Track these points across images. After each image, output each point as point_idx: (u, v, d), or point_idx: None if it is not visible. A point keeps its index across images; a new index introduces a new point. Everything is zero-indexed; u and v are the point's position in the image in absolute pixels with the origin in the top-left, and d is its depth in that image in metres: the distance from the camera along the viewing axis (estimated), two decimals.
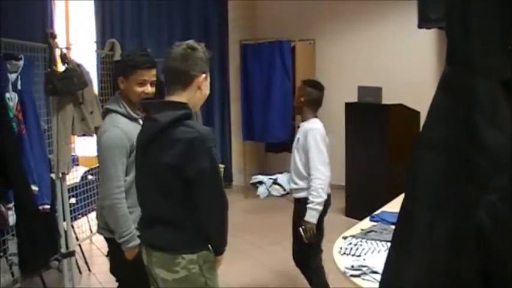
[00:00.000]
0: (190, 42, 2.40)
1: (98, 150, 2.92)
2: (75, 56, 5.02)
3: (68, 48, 4.90)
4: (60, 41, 4.46)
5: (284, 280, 4.92)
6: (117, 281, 3.22)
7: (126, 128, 2.87)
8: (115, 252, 2.98)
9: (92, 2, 9.69)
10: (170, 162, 2.22)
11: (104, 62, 5.42)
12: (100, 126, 3.11)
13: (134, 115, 2.97)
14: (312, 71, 8.10)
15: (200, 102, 2.45)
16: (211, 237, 2.38)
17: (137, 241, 2.78)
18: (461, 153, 0.94)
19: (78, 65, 4.45)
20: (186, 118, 2.27)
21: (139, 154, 2.45)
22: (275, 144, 8.12)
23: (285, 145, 7.71)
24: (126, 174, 2.84)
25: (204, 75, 2.38)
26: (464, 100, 0.94)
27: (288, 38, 7.60)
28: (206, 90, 2.43)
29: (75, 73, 4.26)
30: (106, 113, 3.00)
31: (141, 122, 2.90)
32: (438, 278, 0.96)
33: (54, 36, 4.20)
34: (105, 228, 2.98)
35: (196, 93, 2.37)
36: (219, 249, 2.42)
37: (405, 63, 7.44)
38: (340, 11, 8.01)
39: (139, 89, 2.97)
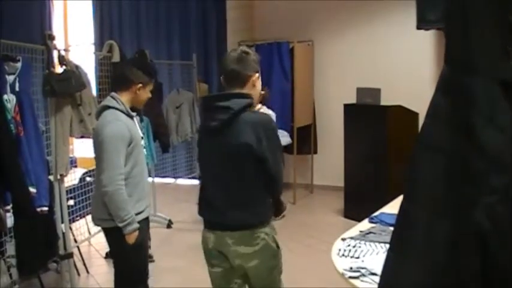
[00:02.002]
0: (243, 47, 2.84)
1: (100, 140, 3.11)
2: (74, 57, 5.03)
3: (66, 49, 4.90)
4: (59, 42, 4.45)
5: (285, 281, 4.90)
6: (118, 270, 3.39)
7: (127, 122, 3.21)
8: (115, 241, 3.21)
9: (90, 4, 9.69)
10: (247, 141, 2.54)
11: (102, 64, 5.41)
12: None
13: (132, 113, 3.32)
14: (311, 72, 8.10)
15: (256, 97, 2.81)
16: (278, 197, 2.82)
17: (137, 225, 3.12)
18: (460, 154, 0.93)
19: (77, 67, 4.45)
20: (250, 106, 2.66)
21: (209, 140, 2.70)
22: None
23: (284, 146, 7.73)
24: (125, 165, 3.13)
25: (257, 75, 2.75)
26: (463, 101, 0.94)
27: (287, 39, 7.59)
28: (259, 87, 2.80)
29: (74, 75, 4.26)
30: (104, 109, 3.24)
31: (136, 120, 3.35)
32: (437, 279, 0.96)
33: (52, 38, 4.20)
34: (104, 218, 3.18)
35: (251, 90, 2.72)
36: (279, 195, 2.84)
37: (404, 64, 7.45)
38: (338, 12, 8.01)
39: (148, 95, 3.44)
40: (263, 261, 2.69)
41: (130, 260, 3.26)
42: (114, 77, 3.22)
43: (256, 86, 2.75)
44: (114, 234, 3.18)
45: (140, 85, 3.32)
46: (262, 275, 2.75)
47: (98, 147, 3.14)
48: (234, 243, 2.64)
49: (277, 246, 2.75)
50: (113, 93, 3.30)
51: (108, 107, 3.22)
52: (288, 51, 7.63)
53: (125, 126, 3.16)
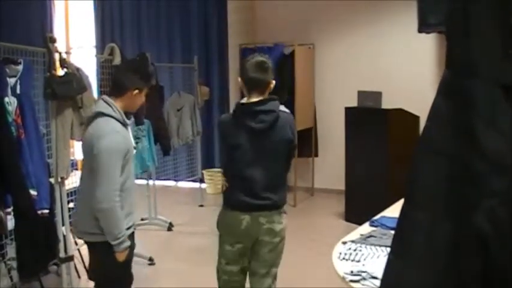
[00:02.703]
0: (261, 57, 3.20)
1: (96, 153, 2.91)
2: (75, 60, 5.02)
3: (67, 52, 4.90)
4: (60, 45, 4.45)
5: (286, 284, 4.90)
6: (96, 285, 3.24)
7: (123, 133, 3.06)
8: (101, 255, 3.08)
9: (92, 6, 9.71)
10: (289, 137, 3.16)
11: (103, 67, 5.41)
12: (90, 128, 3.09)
13: (127, 121, 3.16)
14: (312, 75, 8.11)
15: None
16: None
17: (129, 242, 3.04)
18: (461, 157, 0.93)
19: (78, 69, 4.45)
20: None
21: (251, 138, 3.11)
22: None
23: None
24: (121, 179, 3.00)
25: (274, 82, 3.18)
26: (464, 104, 0.94)
27: (288, 42, 7.60)
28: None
29: (75, 77, 4.26)
30: (98, 115, 3.05)
31: (129, 128, 3.20)
32: (438, 282, 0.96)
33: (53, 41, 4.20)
34: (91, 232, 3.03)
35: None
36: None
37: (405, 67, 7.45)
38: (339, 15, 8.02)
39: (143, 100, 3.32)
40: (283, 237, 3.25)
41: (114, 276, 3.13)
42: (250, 82, 3.13)
43: (271, 90, 3.19)
44: (100, 249, 3.05)
45: (136, 91, 3.15)
46: (279, 249, 3.27)
47: (93, 159, 2.93)
48: (267, 222, 3.14)
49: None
50: (106, 98, 3.12)
51: (103, 114, 3.03)
52: (289, 54, 7.63)
53: (122, 138, 3.01)
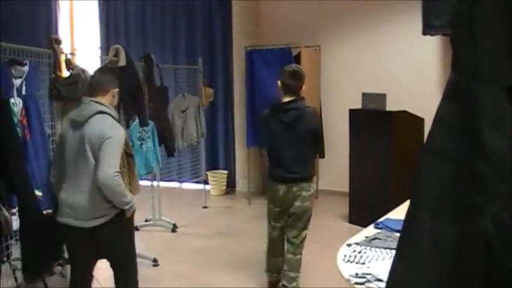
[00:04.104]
0: (295, 68, 4.36)
1: (107, 139, 3.31)
2: (80, 61, 5.04)
3: (72, 53, 4.91)
4: (65, 46, 4.47)
5: None
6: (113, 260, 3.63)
7: (121, 127, 3.59)
8: (110, 234, 3.45)
9: (97, 8, 9.74)
10: (311, 127, 4.24)
11: None
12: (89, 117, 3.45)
13: (118, 116, 3.71)
14: (317, 77, 8.10)
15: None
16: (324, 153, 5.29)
17: (134, 205, 3.53)
18: (466, 161, 0.93)
19: (83, 71, 4.46)
20: (304, 102, 4.29)
21: (282, 128, 4.21)
22: None
23: None
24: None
25: (304, 87, 4.27)
26: (469, 107, 0.93)
27: (294, 44, 7.60)
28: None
29: (80, 78, 4.27)
30: (98, 113, 3.42)
31: None
32: (443, 286, 0.96)
33: (58, 42, 4.22)
34: (97, 216, 3.38)
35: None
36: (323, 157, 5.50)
37: (410, 69, 7.45)
38: (345, 17, 8.02)
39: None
40: (311, 201, 4.32)
41: (125, 244, 3.63)
42: (284, 86, 4.24)
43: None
44: (109, 228, 3.42)
45: (117, 89, 3.63)
46: (307, 213, 4.32)
47: (102, 146, 3.31)
48: (297, 190, 4.22)
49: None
50: (92, 99, 3.49)
51: (103, 112, 3.44)
52: (295, 56, 7.63)
53: (124, 131, 3.56)
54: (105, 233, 3.43)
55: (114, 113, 3.56)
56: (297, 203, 4.24)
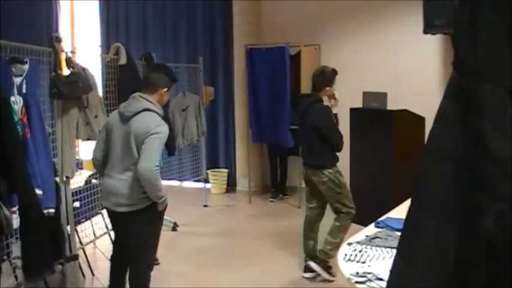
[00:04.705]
0: (322, 68, 4.97)
1: (152, 135, 3.60)
2: (80, 60, 5.03)
3: (73, 52, 4.90)
4: (65, 44, 4.46)
5: (289, 285, 4.90)
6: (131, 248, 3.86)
7: (166, 125, 3.81)
8: (138, 222, 3.73)
9: (97, 6, 9.73)
10: (314, 123, 4.73)
11: (108, 66, 5.42)
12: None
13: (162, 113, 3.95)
14: None
15: (329, 97, 4.97)
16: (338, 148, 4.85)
17: (166, 198, 3.80)
18: (468, 161, 0.93)
19: (83, 69, 4.46)
20: (320, 101, 4.83)
21: (300, 120, 4.93)
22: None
23: (291, 149, 7.71)
24: None
25: (328, 88, 4.81)
26: (471, 107, 0.93)
27: (293, 43, 7.59)
28: (330, 92, 4.92)
29: (80, 77, 4.27)
30: (144, 110, 3.71)
31: None
32: (444, 286, 0.95)
33: (59, 40, 4.21)
34: (130, 204, 3.70)
35: (323, 93, 4.87)
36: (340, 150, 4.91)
37: (410, 68, 7.43)
38: (345, 16, 8.01)
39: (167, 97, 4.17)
40: (328, 186, 4.76)
41: (147, 235, 3.83)
42: (313, 82, 4.86)
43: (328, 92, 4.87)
44: (139, 216, 3.72)
45: (166, 89, 3.94)
46: (330, 194, 4.81)
47: (146, 141, 3.59)
48: (315, 175, 4.80)
49: (339, 180, 4.78)
50: (142, 95, 3.79)
51: (149, 110, 3.73)
52: (295, 55, 7.63)
53: (167, 129, 3.80)
54: (133, 220, 3.73)
55: (160, 110, 3.81)
56: (319, 186, 4.82)
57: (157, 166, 3.60)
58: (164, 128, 3.73)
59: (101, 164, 3.89)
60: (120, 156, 3.73)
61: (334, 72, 4.88)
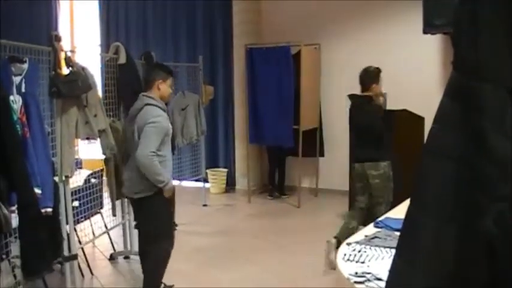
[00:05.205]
0: (368, 68, 5.21)
1: (146, 125, 3.93)
2: (80, 59, 5.03)
3: (72, 51, 4.90)
4: (65, 44, 4.46)
5: (290, 285, 4.90)
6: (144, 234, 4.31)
7: (165, 117, 4.14)
8: (147, 208, 4.11)
9: (97, 5, 9.72)
10: (363, 120, 5.14)
11: (108, 66, 5.41)
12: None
13: (165, 107, 4.26)
14: (317, 75, 8.10)
15: (376, 94, 5.18)
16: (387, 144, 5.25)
17: (173, 184, 4.14)
18: (468, 161, 0.92)
19: (83, 68, 4.45)
20: (371, 100, 5.12)
21: (351, 118, 5.42)
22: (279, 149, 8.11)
23: (290, 149, 7.70)
24: (160, 150, 4.00)
25: (374, 85, 5.12)
26: (471, 107, 0.93)
27: (294, 42, 7.58)
28: (377, 90, 5.19)
29: (80, 76, 4.26)
30: (146, 105, 4.05)
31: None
32: (444, 286, 0.95)
33: (58, 39, 4.21)
34: (136, 191, 4.09)
35: (371, 91, 5.14)
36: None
37: (410, 68, 7.44)
38: (345, 16, 8.01)
39: (171, 90, 4.38)
40: (382, 180, 5.08)
41: (158, 221, 4.17)
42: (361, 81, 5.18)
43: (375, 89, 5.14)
44: (146, 203, 4.08)
45: (160, 80, 4.18)
46: (380, 187, 5.10)
47: (143, 131, 3.95)
48: (367, 168, 5.11)
49: (390, 175, 5.13)
50: (145, 93, 4.16)
51: (150, 104, 4.05)
52: (295, 54, 7.63)
53: (166, 120, 4.12)
54: (144, 205, 4.11)
55: (160, 103, 4.14)
56: (370, 180, 5.14)
57: (153, 152, 3.89)
58: (162, 119, 4.03)
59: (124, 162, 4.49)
60: (131, 151, 4.14)
61: (378, 70, 5.18)
